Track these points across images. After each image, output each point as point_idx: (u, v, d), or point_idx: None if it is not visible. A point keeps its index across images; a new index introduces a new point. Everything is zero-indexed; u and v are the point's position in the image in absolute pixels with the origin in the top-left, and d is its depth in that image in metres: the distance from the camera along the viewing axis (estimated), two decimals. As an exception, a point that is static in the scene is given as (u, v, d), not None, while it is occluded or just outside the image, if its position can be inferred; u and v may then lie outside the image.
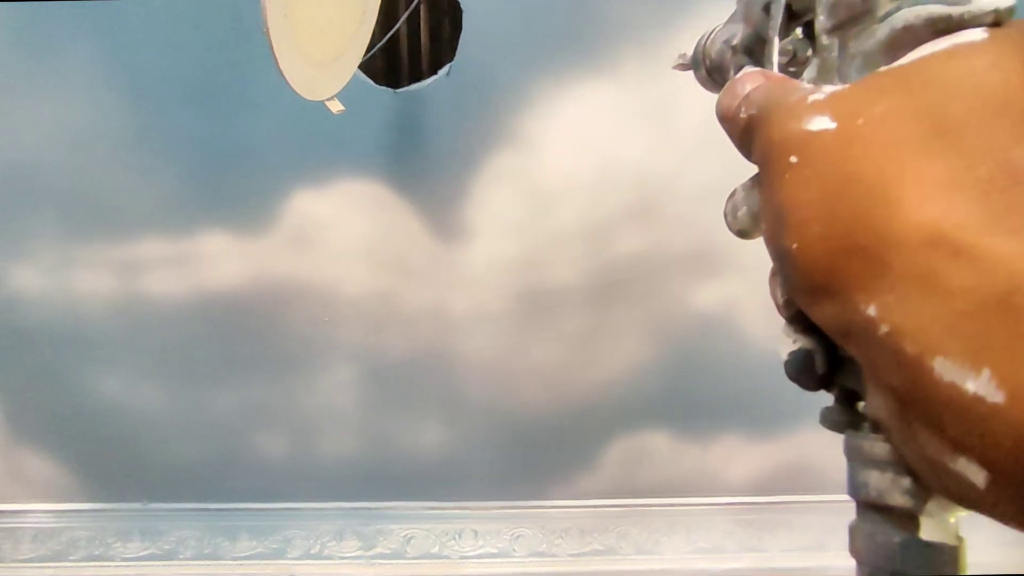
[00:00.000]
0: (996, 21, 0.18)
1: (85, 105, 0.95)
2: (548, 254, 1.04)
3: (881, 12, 0.21)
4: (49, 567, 1.23)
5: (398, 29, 0.89)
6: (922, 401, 0.16)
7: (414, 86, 0.92)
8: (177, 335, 1.11)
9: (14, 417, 1.17)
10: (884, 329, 0.16)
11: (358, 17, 0.72)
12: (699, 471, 1.24)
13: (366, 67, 0.92)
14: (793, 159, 0.19)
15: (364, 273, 1.04)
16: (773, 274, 0.22)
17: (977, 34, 0.18)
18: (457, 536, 1.27)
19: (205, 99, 0.96)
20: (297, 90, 0.62)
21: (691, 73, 0.34)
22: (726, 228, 0.26)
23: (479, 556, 1.26)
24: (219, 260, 1.04)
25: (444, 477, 1.24)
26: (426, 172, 0.98)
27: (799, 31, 0.27)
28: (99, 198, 1.01)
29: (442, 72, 0.90)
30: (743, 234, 0.25)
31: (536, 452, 1.22)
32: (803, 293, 0.20)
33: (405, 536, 1.26)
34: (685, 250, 1.08)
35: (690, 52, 0.36)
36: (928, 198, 0.16)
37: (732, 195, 0.25)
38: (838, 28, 0.23)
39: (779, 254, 0.20)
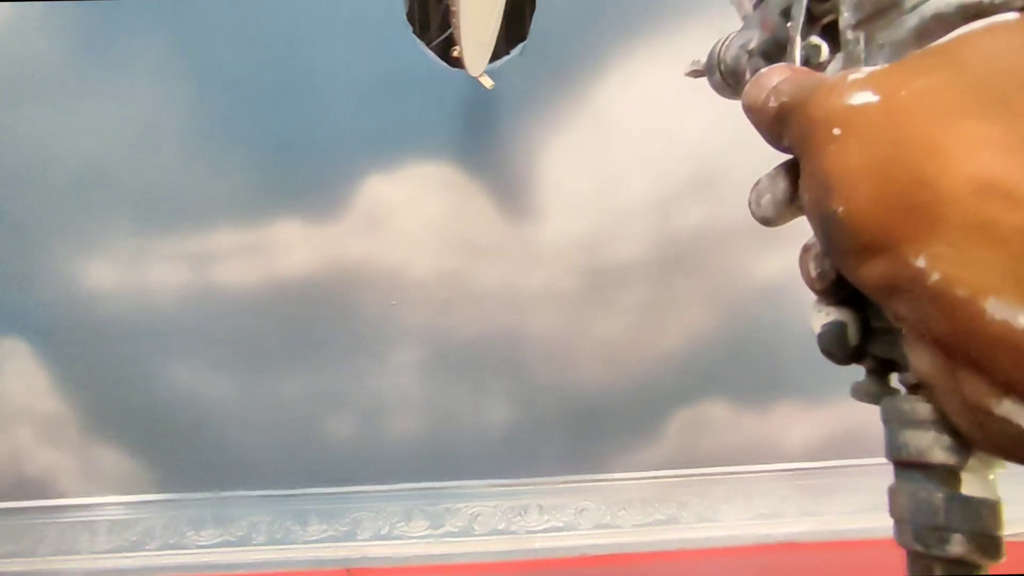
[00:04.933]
0: None
1: (156, 101, 0.97)
2: (614, 230, 1.06)
3: (909, 3, 0.22)
4: (127, 557, 1.25)
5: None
6: (972, 344, 0.17)
7: (488, 66, 0.94)
8: (248, 324, 1.13)
9: (89, 413, 1.19)
10: (935, 277, 0.18)
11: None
12: (757, 439, 1.27)
13: (440, 49, 0.94)
14: (836, 131, 0.21)
15: (433, 255, 1.07)
16: (805, 250, 0.24)
17: (1011, 16, 0.20)
18: (523, 512, 1.29)
19: (275, 89, 0.98)
20: (468, 68, 0.66)
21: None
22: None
23: (545, 530, 1.29)
24: (291, 247, 1.07)
25: (509, 454, 1.27)
26: (497, 152, 1.00)
27: (813, 37, 0.28)
28: (171, 192, 1.03)
29: (515, 51, 0.92)
30: (766, 221, 0.26)
31: (598, 426, 1.25)
32: (850, 254, 0.21)
33: (472, 514, 1.29)
34: (746, 222, 1.11)
35: (703, 59, 0.37)
36: (976, 154, 0.18)
37: (756, 184, 0.27)
38: (864, 22, 0.24)
39: (824, 220, 0.21)
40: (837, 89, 0.21)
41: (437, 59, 0.94)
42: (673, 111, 0.99)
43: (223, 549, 1.27)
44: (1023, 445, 0.17)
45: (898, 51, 0.22)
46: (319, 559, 1.27)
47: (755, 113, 0.25)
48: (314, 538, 1.28)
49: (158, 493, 1.27)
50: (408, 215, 1.03)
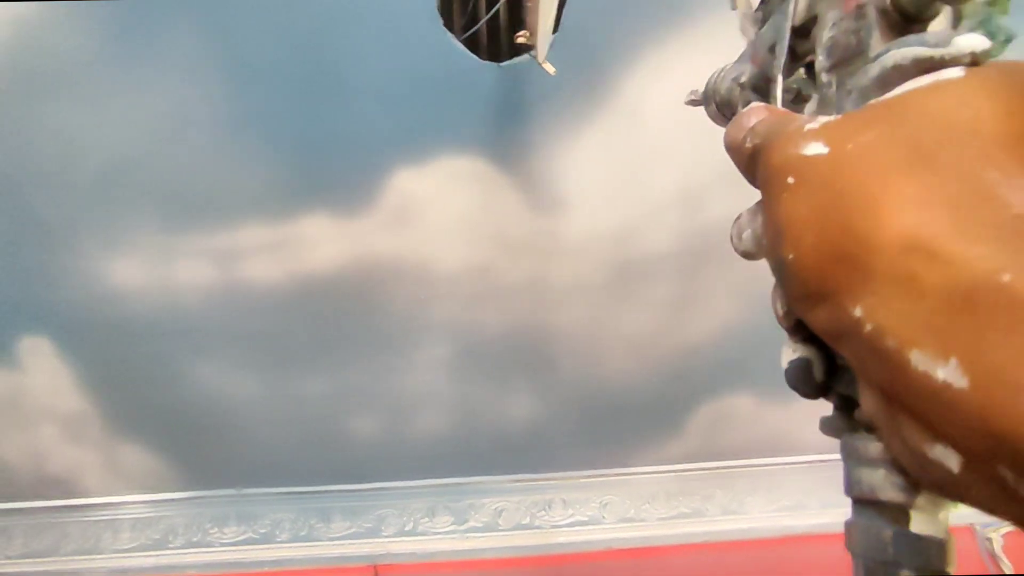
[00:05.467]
0: (974, 62, 0.20)
1: (185, 96, 0.97)
2: (643, 223, 1.06)
3: (873, 53, 0.23)
4: (151, 555, 1.25)
5: (502, 3, 0.91)
6: (903, 392, 0.18)
7: (516, 59, 0.94)
8: (273, 321, 1.13)
9: (112, 411, 1.18)
10: (869, 327, 0.19)
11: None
12: (780, 431, 1.27)
13: (470, 42, 0.93)
14: (790, 180, 0.22)
15: (462, 249, 1.06)
16: (775, 288, 0.25)
17: (956, 72, 0.20)
18: (547, 506, 1.29)
19: (304, 83, 0.97)
20: (539, 57, 0.68)
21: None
22: None
23: (569, 525, 1.29)
24: (318, 243, 1.06)
25: (532, 449, 1.27)
26: (526, 146, 1.00)
27: (802, 71, 0.30)
28: (198, 188, 1.03)
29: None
30: (748, 255, 0.27)
31: (623, 420, 1.25)
32: (800, 300, 0.22)
33: (496, 509, 1.29)
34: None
35: (702, 88, 0.39)
36: (906, 211, 0.18)
37: (738, 219, 0.28)
38: (835, 67, 0.25)
39: (778, 265, 0.22)
40: (794, 138, 0.22)
41: (467, 52, 0.94)
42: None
43: (247, 547, 1.27)
44: (955, 487, 0.18)
45: (863, 97, 0.23)
46: (344, 556, 1.26)
47: (733, 153, 0.26)
48: (338, 535, 1.28)
49: (181, 491, 1.26)
50: (437, 209, 1.03)
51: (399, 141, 1.00)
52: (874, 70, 0.22)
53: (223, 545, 1.27)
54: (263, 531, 1.28)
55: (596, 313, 1.13)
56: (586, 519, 1.29)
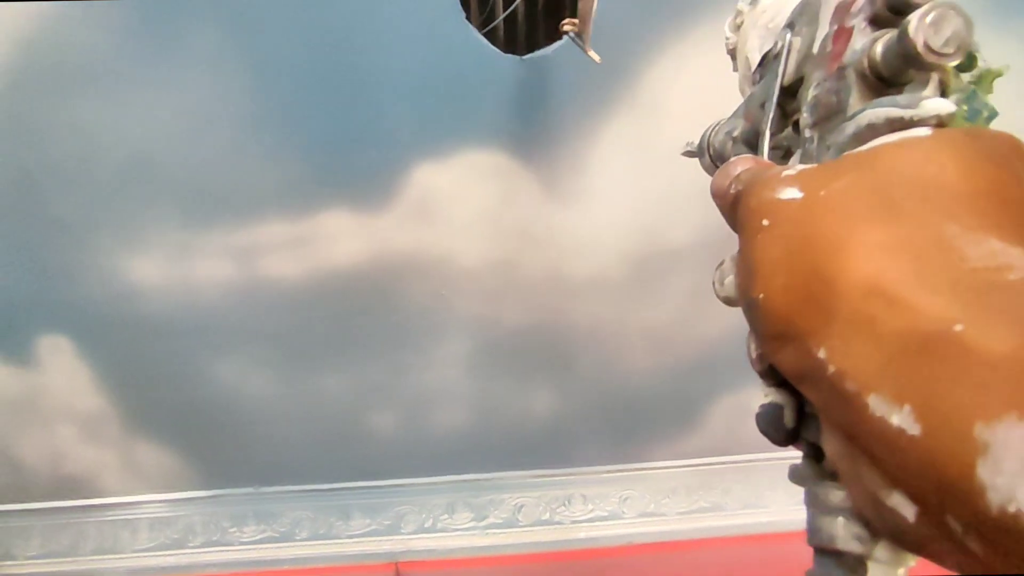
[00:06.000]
0: (940, 123, 0.22)
1: (206, 91, 0.96)
2: (664, 217, 1.05)
3: (851, 111, 0.24)
4: (170, 554, 1.25)
5: (525, -4, 0.90)
6: (862, 436, 0.18)
7: (538, 52, 0.93)
8: (293, 318, 1.12)
9: (130, 410, 1.18)
10: (831, 369, 0.19)
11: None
12: (800, 424, 1.27)
13: (492, 35, 0.93)
14: (765, 222, 0.22)
15: (483, 244, 1.06)
16: (749, 332, 0.25)
17: (923, 131, 0.22)
18: (567, 502, 1.29)
19: (326, 78, 0.96)
20: (587, 44, 0.69)
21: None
22: None
23: (589, 520, 1.29)
24: (338, 239, 1.06)
25: (552, 444, 1.26)
26: (548, 139, 1.00)
27: (791, 129, 0.31)
28: (218, 184, 1.02)
29: (568, 36, 0.91)
30: (728, 302, 0.28)
31: (642, 414, 1.25)
32: (768, 340, 0.22)
33: (516, 505, 1.29)
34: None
35: (697, 140, 0.41)
36: (870, 257, 0.19)
37: (721, 264, 0.29)
38: (817, 123, 0.26)
39: (749, 304, 0.23)
40: (771, 183, 0.23)
41: (488, 45, 0.93)
42: (724, 95, 0.98)
43: (266, 545, 1.27)
44: (911, 537, 0.18)
45: (840, 151, 0.24)
46: (363, 553, 1.26)
47: (718, 199, 0.27)
48: (358, 532, 1.27)
49: (199, 490, 1.26)
50: (457, 204, 1.03)
51: (420, 135, 0.99)
52: (850, 127, 0.24)
53: (242, 544, 1.26)
54: (282, 529, 1.27)
55: (616, 308, 1.13)
56: (606, 514, 1.29)
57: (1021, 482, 0.14)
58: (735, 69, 0.41)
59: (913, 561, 0.22)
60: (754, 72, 0.35)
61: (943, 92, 0.24)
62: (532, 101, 0.97)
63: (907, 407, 0.17)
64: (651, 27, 0.94)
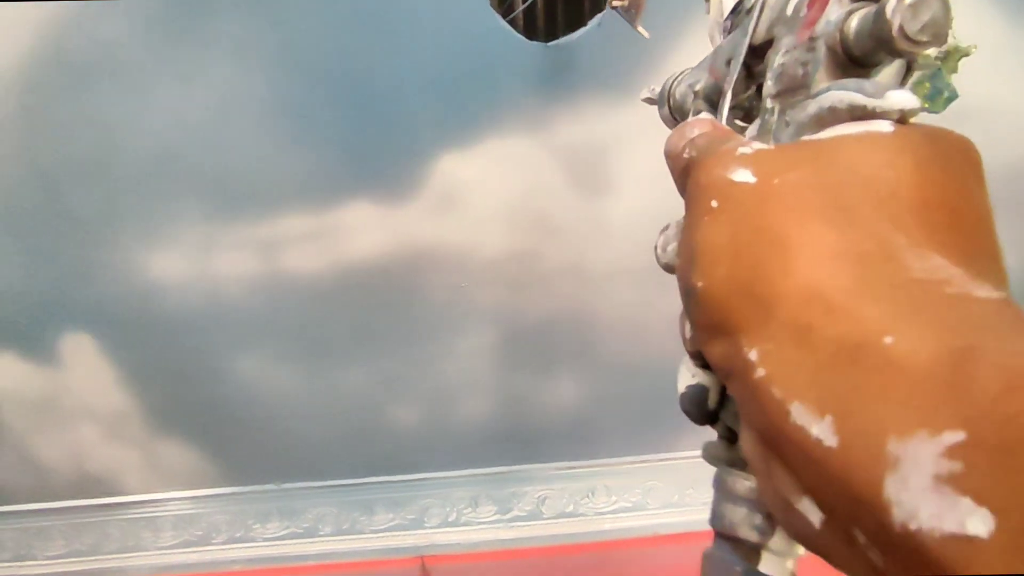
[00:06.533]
0: (902, 119, 0.21)
1: (228, 83, 0.95)
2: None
3: (815, 89, 0.23)
4: (194, 552, 1.24)
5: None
6: (779, 443, 0.18)
7: (564, 39, 0.93)
8: (314, 312, 1.12)
9: (153, 407, 1.17)
10: (760, 373, 0.18)
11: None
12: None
13: (515, 22, 0.92)
14: (714, 203, 0.21)
15: (505, 234, 1.05)
16: (683, 312, 0.24)
17: (885, 126, 0.21)
18: (590, 494, 1.28)
19: (350, 68, 0.96)
20: (638, 21, 0.68)
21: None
22: None
23: (613, 511, 1.28)
24: (360, 231, 1.05)
25: (575, 436, 1.26)
26: (572, 127, 0.99)
27: (755, 89, 0.29)
28: (240, 177, 1.02)
29: (593, 22, 0.90)
30: (669, 269, 0.27)
31: (666, 404, 1.23)
32: (702, 330, 0.22)
33: (539, 497, 1.28)
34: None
35: (659, 88, 0.39)
36: (817, 262, 0.18)
37: (665, 229, 0.27)
38: (780, 95, 0.25)
39: (686, 291, 0.22)
40: (724, 160, 0.22)
41: (513, 32, 0.93)
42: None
43: (290, 541, 1.26)
44: (815, 541, 0.18)
45: (798, 132, 0.23)
46: (388, 548, 1.25)
47: (670, 160, 0.26)
48: (382, 527, 1.27)
49: (221, 487, 1.25)
50: (480, 194, 1.02)
51: (444, 126, 0.98)
52: (812, 107, 0.23)
53: (266, 540, 1.26)
54: (306, 525, 1.27)
55: (638, 296, 1.12)
56: (630, 505, 1.28)
57: (925, 500, 0.14)
58: (707, 11, 0.38)
59: (803, 551, 0.22)
60: (726, 19, 0.33)
61: (909, 67, 0.24)
62: (556, 90, 0.97)
63: (828, 418, 0.16)
64: (674, 13, 0.94)
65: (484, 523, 1.27)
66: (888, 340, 0.16)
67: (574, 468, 1.28)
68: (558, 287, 1.10)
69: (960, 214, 0.19)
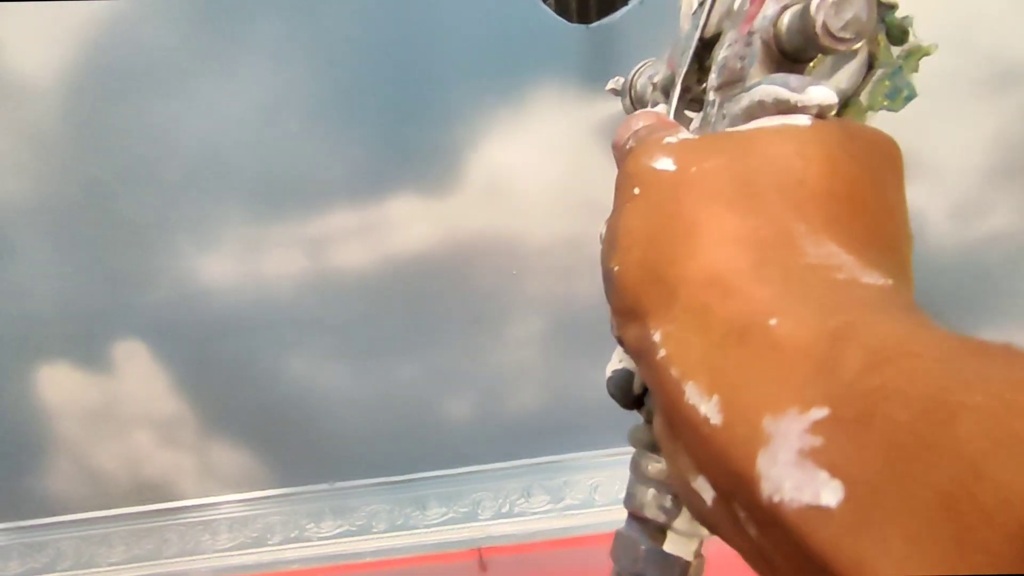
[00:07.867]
0: (819, 114, 0.21)
1: (269, 81, 0.96)
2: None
3: (749, 82, 0.24)
4: (251, 553, 1.25)
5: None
6: (676, 422, 0.19)
7: (606, 19, 0.92)
8: (364, 307, 1.12)
9: (206, 411, 1.18)
10: (661, 354, 0.19)
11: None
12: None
13: (557, 6, 0.91)
14: (636, 190, 0.22)
15: (553, 220, 1.05)
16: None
17: (802, 120, 0.21)
18: (643, 479, 1.27)
19: (391, 59, 0.96)
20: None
21: None
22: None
23: (667, 496, 1.27)
24: (406, 224, 1.05)
25: (625, 422, 1.25)
26: (614, 108, 0.98)
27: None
28: (285, 175, 1.02)
29: (635, 1, 0.89)
30: None
31: (716, 386, 1.23)
32: (617, 313, 0.22)
33: (591, 485, 1.27)
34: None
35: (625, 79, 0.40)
36: (719, 246, 0.19)
37: (608, 219, 0.27)
38: (721, 87, 0.26)
39: (605, 274, 0.23)
40: (650, 148, 0.22)
41: (554, 16, 0.92)
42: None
43: (345, 539, 1.27)
44: (708, 518, 0.19)
45: (732, 123, 0.24)
46: (443, 542, 1.25)
47: (615, 151, 0.27)
48: (435, 521, 1.27)
49: (274, 488, 1.26)
50: (526, 181, 1.01)
51: (486, 112, 0.98)
52: (744, 100, 0.23)
53: (321, 539, 1.26)
54: (360, 523, 1.27)
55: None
56: (683, 489, 1.27)
57: (789, 474, 0.15)
58: (679, 4, 0.38)
59: (707, 533, 0.22)
60: (694, 12, 0.33)
61: (871, 65, 0.24)
62: (598, 71, 0.96)
63: (715, 397, 0.17)
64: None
65: (537, 513, 1.27)
66: (773, 321, 0.17)
67: (623, 455, 1.27)
68: (605, 271, 1.09)
69: (865, 206, 0.20)
